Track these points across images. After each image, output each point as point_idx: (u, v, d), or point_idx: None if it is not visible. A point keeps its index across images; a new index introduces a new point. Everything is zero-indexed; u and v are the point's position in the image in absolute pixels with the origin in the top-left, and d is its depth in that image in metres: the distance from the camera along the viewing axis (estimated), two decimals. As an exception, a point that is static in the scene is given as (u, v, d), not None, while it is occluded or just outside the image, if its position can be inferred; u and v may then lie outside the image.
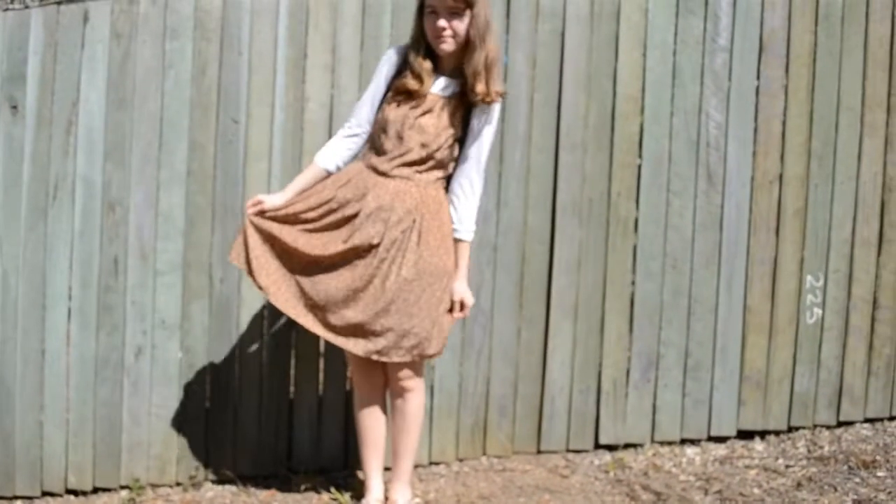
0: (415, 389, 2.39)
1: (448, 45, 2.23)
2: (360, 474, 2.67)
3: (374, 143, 2.34)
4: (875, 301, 2.96)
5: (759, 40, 2.89)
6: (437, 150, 2.27)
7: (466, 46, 2.23)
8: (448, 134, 2.28)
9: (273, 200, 2.35)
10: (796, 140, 2.91)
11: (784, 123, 2.90)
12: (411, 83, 2.26)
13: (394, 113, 2.28)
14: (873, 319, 2.96)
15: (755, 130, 2.90)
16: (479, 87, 2.24)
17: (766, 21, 2.88)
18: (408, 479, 2.49)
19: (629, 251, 2.89)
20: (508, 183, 2.82)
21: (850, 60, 2.91)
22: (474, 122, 2.31)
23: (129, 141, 2.71)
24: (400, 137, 2.27)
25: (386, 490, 2.48)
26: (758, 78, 2.89)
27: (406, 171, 2.28)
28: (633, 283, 2.90)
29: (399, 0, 2.75)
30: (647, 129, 2.87)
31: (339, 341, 2.31)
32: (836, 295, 2.94)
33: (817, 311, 2.94)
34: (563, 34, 2.81)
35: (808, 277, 2.93)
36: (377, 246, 2.25)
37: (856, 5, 2.90)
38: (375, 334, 2.26)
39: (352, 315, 2.26)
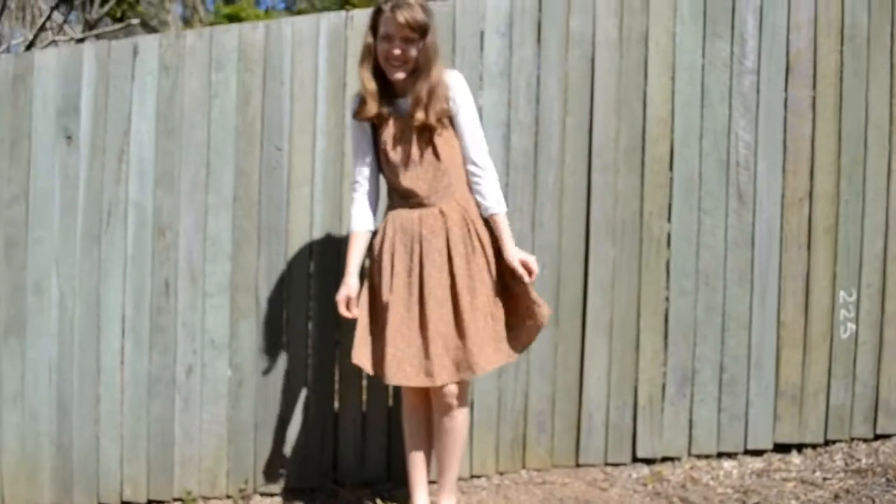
0: (461, 407, 2.42)
1: (400, 73, 2.29)
2: (403, 487, 2.74)
3: (389, 180, 2.43)
4: (909, 315, 2.98)
5: (785, 61, 2.93)
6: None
7: (414, 72, 2.29)
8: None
9: (351, 289, 2.44)
10: (825, 158, 2.95)
11: (812, 142, 2.94)
12: (361, 109, 2.34)
13: (393, 148, 2.35)
14: (907, 334, 2.98)
15: (784, 150, 2.94)
16: (419, 115, 2.27)
17: (791, 42, 2.93)
18: (453, 488, 2.52)
19: (662, 269, 2.94)
20: (543, 204, 2.89)
21: (876, 80, 2.95)
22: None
23: (177, 168, 2.83)
24: (409, 168, 2.35)
25: (432, 502, 2.54)
26: (785, 98, 2.94)
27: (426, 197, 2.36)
28: (667, 300, 2.94)
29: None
30: (678, 150, 2.93)
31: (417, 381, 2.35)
32: (870, 309, 2.96)
33: (851, 325, 2.96)
34: (592, 59, 2.89)
35: (841, 293, 2.96)
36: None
37: (881, 26, 2.94)
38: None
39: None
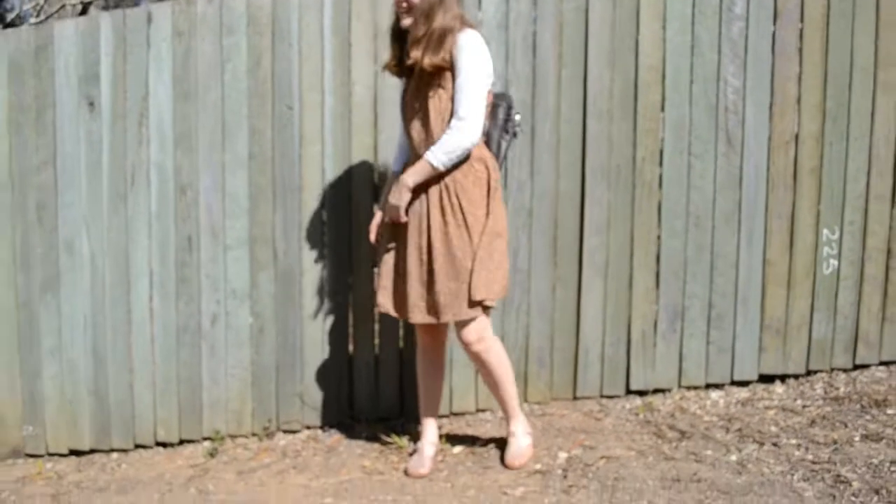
0: (481, 344, 2.52)
1: (406, 19, 2.42)
2: (414, 422, 2.97)
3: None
4: (889, 251, 3.12)
5: (773, 7, 3.02)
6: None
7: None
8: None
9: (378, 219, 2.67)
10: (811, 101, 3.06)
11: (799, 85, 3.06)
12: (389, 62, 2.54)
13: (405, 97, 2.54)
14: (887, 268, 3.13)
15: (771, 94, 3.05)
16: (414, 53, 2.38)
17: (780, -12, 3.02)
18: (515, 413, 2.69)
19: (654, 211, 3.09)
20: (540, 153, 3.04)
21: (861, 21, 3.03)
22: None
23: (195, 130, 2.99)
24: (409, 120, 2.52)
25: (507, 426, 2.72)
26: (773, 43, 3.05)
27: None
28: (659, 240, 3.10)
29: (433, -12, 2.96)
30: (669, 97, 3.05)
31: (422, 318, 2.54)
32: (852, 246, 3.12)
33: (833, 262, 3.12)
34: (586, 11, 2.99)
35: (825, 231, 3.11)
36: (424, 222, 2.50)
37: (867, -31, 3.02)
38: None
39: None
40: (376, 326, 3.12)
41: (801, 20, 3.04)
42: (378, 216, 2.69)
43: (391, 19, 2.55)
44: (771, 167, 3.08)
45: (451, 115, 2.42)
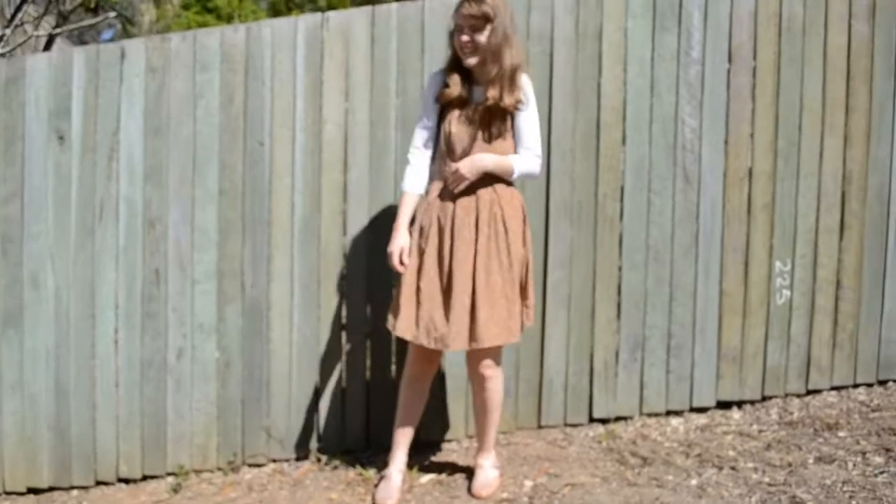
0: (495, 373, 2.65)
1: (472, 59, 2.53)
2: (381, 454, 2.98)
3: (443, 157, 2.63)
4: (838, 282, 3.28)
5: (728, 52, 3.19)
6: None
7: (486, 58, 2.53)
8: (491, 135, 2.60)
9: (403, 243, 2.62)
10: (764, 140, 3.22)
11: (752, 126, 3.22)
12: (445, 92, 2.58)
13: (455, 128, 2.58)
14: (837, 299, 3.29)
15: (726, 133, 3.21)
16: (492, 93, 2.52)
17: (734, 35, 3.18)
18: (492, 445, 2.79)
19: (616, 246, 3.20)
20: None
21: (811, 67, 3.22)
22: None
23: (165, 164, 3.00)
24: (465, 152, 2.57)
25: (475, 456, 2.80)
26: (728, 86, 3.20)
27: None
28: (620, 273, 3.21)
29: (403, 29, 3.05)
30: (629, 136, 3.17)
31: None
32: (803, 277, 3.27)
33: (786, 292, 3.27)
34: (551, 54, 3.11)
35: (777, 263, 3.25)
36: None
37: (815, 18, 3.20)
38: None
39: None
40: (344, 358, 3.14)
41: (755, 64, 3.20)
42: (403, 238, 2.63)
43: (448, 55, 2.65)
44: (726, 203, 3.22)
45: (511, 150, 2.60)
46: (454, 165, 2.55)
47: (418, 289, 2.59)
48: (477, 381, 2.67)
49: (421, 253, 2.61)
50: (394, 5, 3.05)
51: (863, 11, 3.22)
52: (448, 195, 2.60)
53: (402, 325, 2.59)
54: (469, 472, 2.84)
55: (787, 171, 3.24)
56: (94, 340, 3.04)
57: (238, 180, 3.03)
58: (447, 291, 2.56)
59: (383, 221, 3.03)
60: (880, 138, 3.27)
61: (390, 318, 2.65)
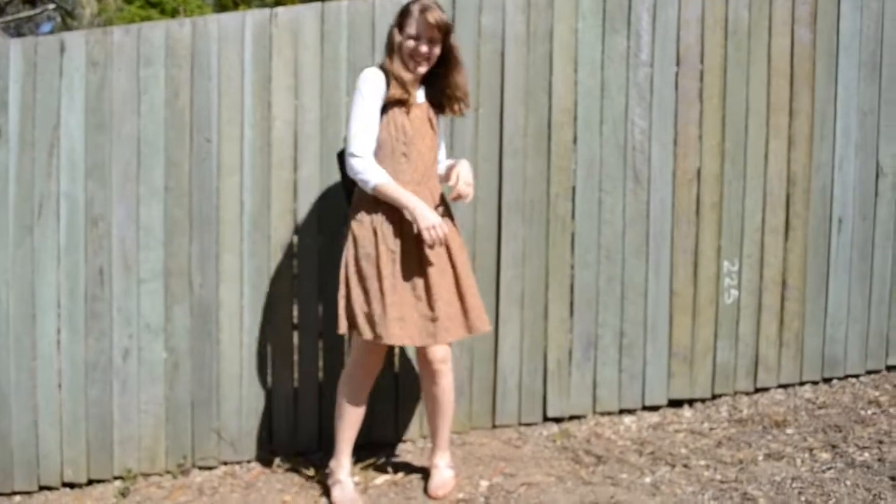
0: (449, 369, 2.68)
1: (423, 68, 2.55)
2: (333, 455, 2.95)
3: (396, 156, 2.57)
4: (784, 282, 3.35)
5: (676, 55, 3.23)
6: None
7: (444, 68, 2.58)
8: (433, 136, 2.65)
9: (434, 216, 2.51)
10: (711, 142, 3.27)
11: (700, 127, 3.27)
12: (400, 93, 2.53)
13: (412, 129, 2.57)
14: (783, 298, 3.35)
15: (675, 135, 3.25)
16: (456, 107, 2.64)
17: (682, 38, 3.23)
18: (448, 446, 2.79)
19: (567, 245, 3.22)
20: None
21: (756, 70, 3.28)
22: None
23: (108, 161, 2.92)
24: (422, 153, 2.59)
25: (431, 456, 2.78)
26: (676, 88, 3.24)
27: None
28: (572, 272, 3.23)
29: (354, 27, 3.02)
30: (580, 136, 3.19)
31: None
32: (750, 277, 3.33)
33: (734, 292, 3.32)
34: (503, 54, 3.12)
35: (725, 263, 3.31)
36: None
37: (760, 22, 3.27)
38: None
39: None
40: (295, 358, 3.09)
41: (702, 67, 3.25)
42: (431, 212, 2.51)
43: (394, 55, 2.57)
44: (675, 203, 3.26)
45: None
46: (464, 177, 2.59)
47: (398, 290, 2.53)
48: (433, 380, 2.65)
49: (391, 257, 2.54)
50: (344, 2, 3.02)
51: (805, 17, 3.30)
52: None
53: (398, 333, 2.49)
54: (424, 473, 2.82)
55: (733, 173, 3.29)
56: (35, 341, 2.94)
57: (184, 178, 2.97)
58: (427, 288, 2.55)
59: (334, 220, 3.00)
60: (822, 141, 3.34)
61: (372, 329, 2.52)
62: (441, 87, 2.62)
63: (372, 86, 2.53)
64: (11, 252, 2.91)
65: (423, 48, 2.51)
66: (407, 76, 2.53)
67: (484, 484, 2.75)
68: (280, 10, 2.98)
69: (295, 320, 3.09)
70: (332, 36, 3.02)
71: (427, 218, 2.47)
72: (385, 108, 2.56)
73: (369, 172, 2.50)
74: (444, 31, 2.51)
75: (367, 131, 2.53)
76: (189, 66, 2.94)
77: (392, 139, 2.56)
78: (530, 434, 3.14)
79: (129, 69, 2.92)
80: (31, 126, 2.89)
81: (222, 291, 3.02)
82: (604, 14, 3.18)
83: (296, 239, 3.05)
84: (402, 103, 2.55)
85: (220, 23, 2.96)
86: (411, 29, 2.50)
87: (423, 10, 2.48)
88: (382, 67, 2.57)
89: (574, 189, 3.21)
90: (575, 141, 3.20)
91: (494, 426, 3.20)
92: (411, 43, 2.51)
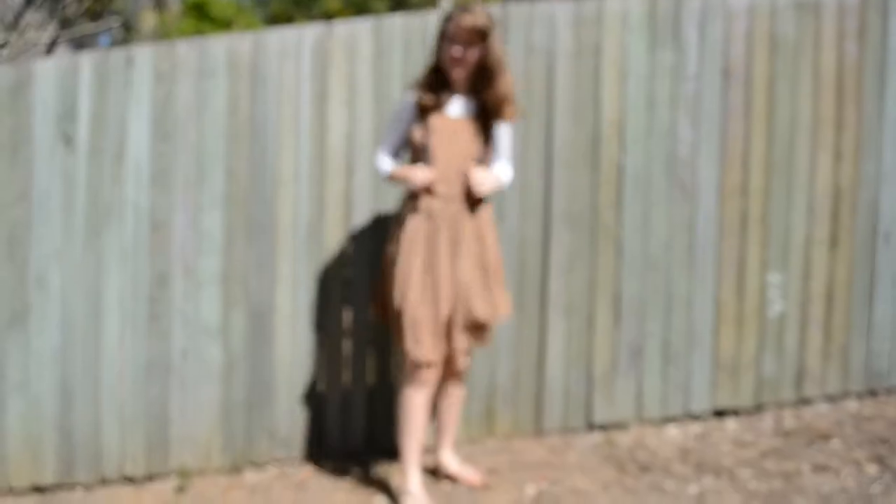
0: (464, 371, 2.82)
1: (460, 72, 2.58)
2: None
3: (426, 158, 2.64)
4: (829, 294, 3.37)
5: (723, 69, 3.28)
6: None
7: (479, 74, 2.58)
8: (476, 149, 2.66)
9: (423, 172, 2.60)
10: (757, 155, 3.30)
11: (747, 141, 3.30)
12: (426, 98, 2.61)
13: (435, 142, 2.61)
14: (828, 310, 3.37)
15: (721, 148, 3.29)
16: (505, 111, 2.61)
17: (728, 52, 3.27)
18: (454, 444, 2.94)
19: (613, 255, 3.27)
20: (507, 198, 3.19)
21: (803, 84, 3.31)
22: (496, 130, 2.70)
23: (171, 169, 3.04)
24: (445, 154, 2.62)
25: (440, 455, 2.92)
26: (722, 102, 3.28)
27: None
28: (618, 282, 3.27)
29: (408, 42, 3.11)
30: (628, 149, 3.25)
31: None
32: (795, 289, 3.35)
33: (779, 303, 3.34)
34: (552, 68, 3.18)
35: (772, 275, 3.33)
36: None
37: (806, 36, 3.30)
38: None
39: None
40: (347, 364, 3.18)
41: (748, 81, 3.28)
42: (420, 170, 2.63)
43: (434, 57, 2.66)
44: (721, 215, 3.29)
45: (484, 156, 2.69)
46: (474, 175, 2.60)
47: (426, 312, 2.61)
48: (454, 381, 2.80)
49: (424, 266, 2.62)
50: (398, 18, 3.11)
51: (852, 32, 3.32)
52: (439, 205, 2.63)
53: (429, 356, 2.61)
54: (436, 475, 2.92)
55: (779, 186, 3.32)
56: (99, 340, 3.07)
57: (243, 185, 3.08)
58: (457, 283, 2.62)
59: (386, 228, 3.08)
60: (869, 155, 3.35)
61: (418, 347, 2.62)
62: (485, 92, 2.62)
63: (405, 98, 2.70)
64: (80, 254, 3.03)
65: (458, 52, 2.55)
66: (430, 79, 2.63)
67: (530, 490, 2.80)
68: (337, 25, 3.07)
69: (347, 325, 3.18)
70: (386, 50, 3.11)
71: (414, 179, 2.60)
72: (421, 114, 2.65)
73: (380, 164, 2.77)
74: (481, 35, 2.52)
75: (390, 141, 2.75)
76: (249, 78, 3.05)
77: (420, 143, 2.65)
78: (575, 441, 3.19)
79: (193, 81, 3.03)
80: (100, 135, 3.01)
81: (277, 296, 3.12)
82: (651, 29, 3.23)
83: (348, 246, 3.14)
84: (431, 109, 2.63)
85: (279, 37, 3.06)
86: (448, 33, 2.57)
87: (460, 15, 2.53)
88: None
89: (621, 200, 3.26)
90: (622, 153, 3.25)
91: (540, 432, 3.25)
92: (448, 47, 2.57)
